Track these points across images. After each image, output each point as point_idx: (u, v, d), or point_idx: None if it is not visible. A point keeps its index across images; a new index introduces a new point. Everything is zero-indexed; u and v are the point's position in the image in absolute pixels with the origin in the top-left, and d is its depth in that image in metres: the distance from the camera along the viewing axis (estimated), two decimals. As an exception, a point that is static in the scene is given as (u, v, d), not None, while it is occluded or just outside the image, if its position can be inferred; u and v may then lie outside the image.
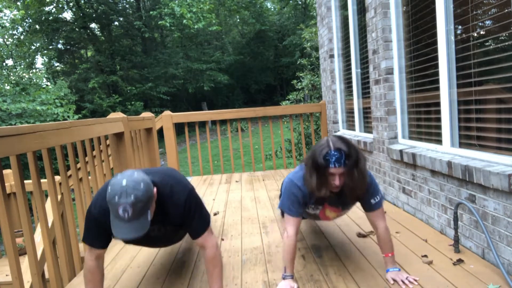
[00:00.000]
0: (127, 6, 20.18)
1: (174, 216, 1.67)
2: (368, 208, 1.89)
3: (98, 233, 1.65)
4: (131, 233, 1.41)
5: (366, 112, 3.86)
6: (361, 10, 3.79)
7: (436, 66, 2.47)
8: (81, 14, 18.12)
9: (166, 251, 2.51)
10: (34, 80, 11.10)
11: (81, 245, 2.58)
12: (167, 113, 5.20)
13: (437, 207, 2.45)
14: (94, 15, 18.81)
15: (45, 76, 12.47)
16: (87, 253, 1.67)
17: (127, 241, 1.78)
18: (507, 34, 1.88)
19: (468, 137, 2.26)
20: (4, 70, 10.98)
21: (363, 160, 1.71)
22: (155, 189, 1.55)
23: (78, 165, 2.72)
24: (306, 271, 2.03)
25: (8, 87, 10.01)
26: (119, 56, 18.85)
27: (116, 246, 2.66)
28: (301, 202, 1.85)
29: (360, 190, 1.77)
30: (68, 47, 19.77)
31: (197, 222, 1.72)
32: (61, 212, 2.30)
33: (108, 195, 1.41)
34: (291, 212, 1.86)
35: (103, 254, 1.71)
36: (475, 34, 2.12)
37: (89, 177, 2.71)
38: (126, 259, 2.42)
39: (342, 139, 1.69)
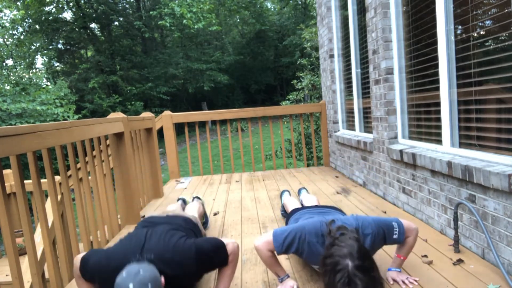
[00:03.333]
0: (127, 6, 20.19)
1: (191, 279, 1.68)
2: (398, 241, 1.80)
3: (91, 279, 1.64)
4: None
5: (366, 112, 3.87)
6: (361, 10, 3.79)
7: (436, 66, 2.47)
8: (81, 14, 18.13)
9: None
10: (34, 80, 11.11)
11: (81, 245, 2.58)
12: (167, 113, 5.20)
13: (437, 207, 2.45)
14: (94, 15, 18.81)
15: (45, 76, 12.48)
16: (77, 275, 1.66)
17: None
18: (507, 34, 1.88)
19: (468, 137, 2.26)
20: (4, 70, 10.98)
21: (381, 281, 1.50)
22: (162, 279, 1.50)
23: (78, 165, 2.72)
24: (306, 271, 2.03)
25: (8, 87, 10.01)
26: (119, 56, 18.86)
27: (116, 246, 2.66)
28: (299, 252, 1.76)
29: None
30: (68, 47, 19.78)
31: (218, 262, 1.71)
32: (61, 212, 2.30)
33: None
34: (277, 244, 1.74)
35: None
36: (475, 34, 2.12)
37: (89, 177, 2.71)
38: (126, 259, 2.42)
39: (365, 271, 1.42)
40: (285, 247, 1.73)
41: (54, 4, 17.79)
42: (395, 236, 1.75)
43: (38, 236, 2.56)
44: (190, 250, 1.63)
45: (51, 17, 17.67)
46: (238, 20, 24.52)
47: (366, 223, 1.75)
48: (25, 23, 17.23)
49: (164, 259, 1.58)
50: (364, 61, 3.81)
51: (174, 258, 1.60)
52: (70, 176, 2.64)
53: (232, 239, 2.56)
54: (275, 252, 1.78)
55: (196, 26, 16.25)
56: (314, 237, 1.72)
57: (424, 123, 2.76)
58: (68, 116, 10.13)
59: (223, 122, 11.75)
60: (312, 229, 1.75)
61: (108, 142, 3.12)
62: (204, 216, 2.92)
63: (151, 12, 16.91)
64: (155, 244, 1.64)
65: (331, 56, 4.80)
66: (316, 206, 2.38)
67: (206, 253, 1.65)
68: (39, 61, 18.65)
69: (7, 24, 14.01)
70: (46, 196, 2.78)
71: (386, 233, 1.75)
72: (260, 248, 1.77)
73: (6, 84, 10.06)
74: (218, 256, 1.68)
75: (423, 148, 2.68)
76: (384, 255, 2.15)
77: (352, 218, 1.80)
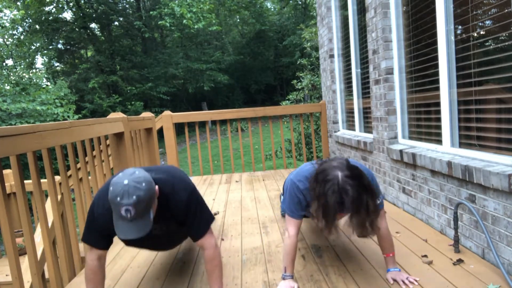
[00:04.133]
0: (127, 6, 20.19)
1: (177, 214, 1.67)
2: (377, 208, 1.85)
3: (101, 233, 1.64)
4: (134, 232, 1.41)
5: (366, 112, 3.86)
6: (361, 10, 3.79)
7: (436, 66, 2.47)
8: (81, 14, 18.13)
9: (166, 251, 2.51)
10: (34, 80, 11.10)
11: (81, 245, 2.58)
12: (167, 113, 5.20)
13: (437, 207, 2.45)
14: (94, 15, 18.82)
15: (45, 76, 12.48)
16: (89, 253, 1.67)
17: (129, 242, 1.78)
18: (507, 34, 1.88)
19: (468, 137, 2.26)
20: (4, 70, 10.98)
21: (375, 199, 1.58)
22: (156, 187, 1.55)
23: (78, 165, 2.72)
24: (306, 271, 2.03)
25: (8, 87, 10.01)
26: (119, 56, 18.87)
27: (116, 246, 2.66)
28: (303, 204, 1.83)
29: (369, 222, 1.61)
30: (68, 47, 19.78)
31: (198, 222, 1.71)
32: (61, 212, 2.30)
33: (110, 194, 1.41)
34: (292, 214, 1.85)
35: (105, 254, 1.70)
36: (475, 34, 2.12)
37: (89, 177, 2.71)
38: (126, 259, 2.42)
39: (354, 177, 1.50)
40: (296, 209, 1.82)
41: (54, 4, 17.79)
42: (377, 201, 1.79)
43: (38, 236, 2.56)
44: (186, 188, 1.69)
45: (51, 17, 17.67)
46: (238, 20, 24.52)
47: (365, 170, 1.79)
48: (25, 23, 17.23)
49: (162, 177, 1.65)
50: (364, 61, 3.81)
51: (173, 182, 1.67)
52: (70, 176, 2.65)
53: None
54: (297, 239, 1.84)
55: (196, 26, 16.25)
56: (306, 182, 1.79)
57: (424, 123, 2.76)
58: (68, 116, 10.14)
59: (223, 122, 11.75)
60: (300, 175, 1.84)
61: (108, 142, 3.12)
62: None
63: (151, 12, 16.92)
64: (157, 168, 1.75)
65: (331, 56, 4.80)
66: None
67: (197, 201, 1.71)
68: (39, 61, 18.67)
69: (7, 24, 14.01)
70: (46, 196, 2.78)
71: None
72: (291, 234, 1.82)
73: (6, 84, 10.06)
74: (202, 217, 1.72)
75: (423, 148, 2.68)
76: (381, 258, 2.15)
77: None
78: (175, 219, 1.69)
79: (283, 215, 3.02)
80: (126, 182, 1.40)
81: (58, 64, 20.09)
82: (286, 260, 1.84)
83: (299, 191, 1.82)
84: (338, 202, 1.48)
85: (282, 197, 3.12)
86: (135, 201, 1.38)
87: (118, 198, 1.38)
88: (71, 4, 18.27)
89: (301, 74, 7.22)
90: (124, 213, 1.38)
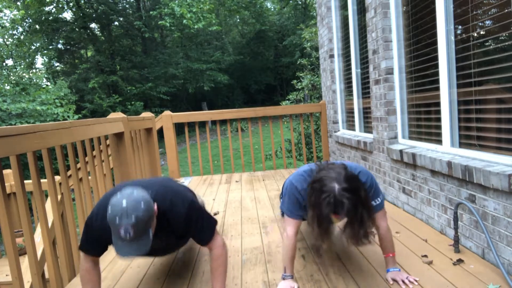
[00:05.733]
0: (127, 6, 20.18)
1: (177, 229, 1.68)
2: (373, 209, 1.82)
3: (97, 244, 1.66)
4: (134, 252, 1.42)
5: (366, 112, 3.86)
6: (361, 10, 3.79)
7: (436, 66, 2.47)
8: (81, 14, 18.12)
9: (166, 251, 2.51)
10: (34, 80, 11.11)
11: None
12: (167, 113, 5.20)
13: (437, 207, 2.45)
14: (94, 15, 18.81)
15: (45, 76, 12.48)
16: (83, 258, 1.69)
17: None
18: (507, 34, 1.88)
19: (468, 137, 2.26)
20: (4, 70, 10.98)
21: (371, 211, 1.59)
22: (155, 205, 1.55)
23: (78, 165, 2.72)
24: (306, 271, 2.03)
25: (8, 87, 10.01)
26: (119, 56, 18.86)
27: (116, 246, 2.66)
28: (302, 205, 1.83)
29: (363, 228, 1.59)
30: (68, 47, 19.77)
31: (203, 230, 1.73)
32: (61, 212, 2.30)
33: (108, 216, 1.41)
34: (291, 214, 1.85)
35: (98, 259, 1.74)
36: (475, 34, 2.12)
37: (89, 177, 2.71)
38: (126, 259, 2.42)
39: (351, 191, 1.47)
40: (295, 209, 1.82)
41: (54, 4, 17.78)
42: (373, 203, 1.79)
43: (38, 236, 2.55)
44: (184, 202, 1.67)
45: (51, 17, 17.66)
46: (238, 20, 24.52)
47: (364, 172, 1.81)
48: (25, 23, 17.22)
49: (159, 194, 1.63)
50: (364, 61, 3.81)
51: (171, 197, 1.65)
52: (70, 176, 2.65)
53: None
54: (296, 240, 1.83)
55: (196, 26, 16.25)
56: (304, 183, 1.79)
57: (424, 123, 2.76)
58: (68, 116, 10.13)
59: (223, 122, 11.75)
60: (299, 178, 1.84)
61: (108, 142, 3.12)
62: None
63: (151, 12, 16.91)
64: (153, 182, 1.73)
65: (331, 56, 4.80)
66: None
67: (197, 213, 1.70)
68: (39, 61, 18.66)
69: (7, 24, 14.02)
70: (46, 196, 2.78)
71: (372, 194, 1.80)
72: (290, 235, 1.81)
73: (6, 84, 10.06)
74: (203, 226, 1.72)
75: (423, 148, 2.68)
76: (381, 258, 2.14)
77: (350, 163, 1.86)
78: (175, 234, 1.71)
79: (283, 215, 3.02)
80: (124, 203, 1.40)
81: (58, 64, 20.08)
82: (285, 260, 1.84)
83: (297, 191, 1.82)
84: (333, 213, 1.49)
85: (281, 199, 3.12)
86: (133, 222, 1.38)
87: (117, 219, 1.38)
88: (71, 4, 18.26)
89: (301, 74, 7.22)
90: (123, 234, 1.38)
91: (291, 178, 1.91)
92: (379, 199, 1.86)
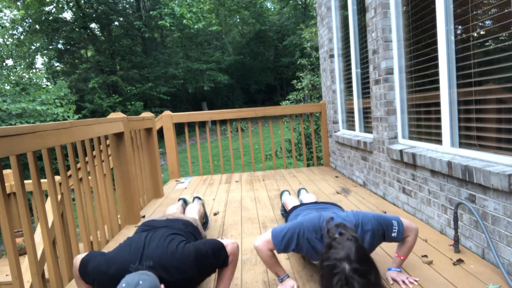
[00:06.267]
0: (127, 6, 20.18)
1: (192, 282, 1.67)
2: (396, 239, 1.79)
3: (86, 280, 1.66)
4: None
5: (366, 112, 3.86)
6: (361, 10, 3.79)
7: (436, 66, 2.47)
8: (81, 14, 18.12)
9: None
10: (34, 80, 11.11)
11: (81, 245, 2.58)
12: (167, 113, 5.20)
13: (437, 207, 2.45)
14: (94, 15, 18.81)
15: (45, 76, 12.48)
16: (75, 269, 1.69)
17: None
18: (507, 34, 1.88)
19: (468, 137, 2.26)
20: (4, 70, 10.99)
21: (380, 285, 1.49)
22: (162, 287, 1.50)
23: (78, 165, 2.72)
24: (306, 271, 2.03)
25: (8, 87, 10.01)
26: (119, 56, 18.86)
27: (116, 246, 2.66)
28: (293, 247, 1.75)
29: None
30: (68, 47, 19.77)
31: (217, 261, 1.69)
32: (61, 212, 2.30)
33: None
34: (276, 240, 1.74)
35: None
36: (475, 34, 2.12)
37: (89, 177, 2.71)
38: (126, 259, 2.42)
39: (361, 274, 1.40)
40: (284, 245, 1.73)
41: (54, 4, 17.77)
42: (393, 234, 1.75)
43: (38, 236, 2.56)
44: (189, 255, 1.63)
45: (51, 17, 17.65)
46: (238, 20, 24.52)
47: (366, 219, 1.74)
48: (25, 23, 17.23)
49: (164, 265, 1.58)
50: (364, 61, 3.81)
51: (173, 264, 1.60)
52: (70, 176, 2.64)
53: (232, 239, 2.56)
54: (275, 252, 1.78)
55: (196, 26, 16.24)
56: (313, 233, 1.72)
57: (424, 123, 2.76)
58: (68, 116, 10.14)
59: (223, 122, 11.75)
60: (310, 224, 1.75)
61: (108, 142, 3.12)
62: (204, 217, 2.92)
63: (151, 12, 16.91)
64: (154, 250, 1.64)
65: (331, 56, 4.80)
66: (315, 203, 2.37)
67: (206, 256, 1.65)
68: (39, 61, 18.67)
69: (7, 24, 14.02)
70: (46, 196, 2.78)
71: (385, 230, 1.75)
72: (260, 248, 1.77)
73: (6, 84, 10.06)
74: (218, 259, 1.68)
75: (423, 148, 2.68)
76: (384, 255, 2.15)
77: (352, 214, 1.79)
78: (191, 283, 1.69)
79: (283, 215, 3.02)
80: None
81: (58, 64, 20.08)
82: (271, 268, 1.83)
83: (303, 237, 1.72)
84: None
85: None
86: None
87: None
88: (71, 4, 18.26)
89: (301, 74, 7.22)
90: None
91: (302, 221, 1.79)
92: (394, 227, 1.76)
